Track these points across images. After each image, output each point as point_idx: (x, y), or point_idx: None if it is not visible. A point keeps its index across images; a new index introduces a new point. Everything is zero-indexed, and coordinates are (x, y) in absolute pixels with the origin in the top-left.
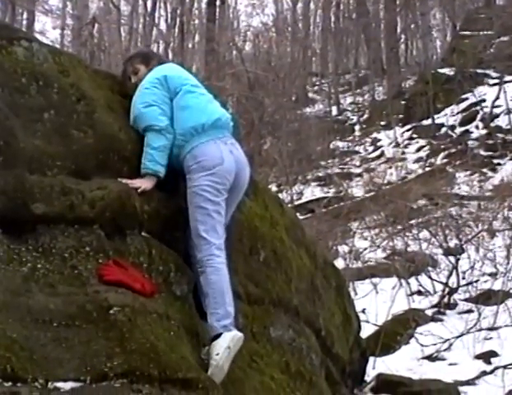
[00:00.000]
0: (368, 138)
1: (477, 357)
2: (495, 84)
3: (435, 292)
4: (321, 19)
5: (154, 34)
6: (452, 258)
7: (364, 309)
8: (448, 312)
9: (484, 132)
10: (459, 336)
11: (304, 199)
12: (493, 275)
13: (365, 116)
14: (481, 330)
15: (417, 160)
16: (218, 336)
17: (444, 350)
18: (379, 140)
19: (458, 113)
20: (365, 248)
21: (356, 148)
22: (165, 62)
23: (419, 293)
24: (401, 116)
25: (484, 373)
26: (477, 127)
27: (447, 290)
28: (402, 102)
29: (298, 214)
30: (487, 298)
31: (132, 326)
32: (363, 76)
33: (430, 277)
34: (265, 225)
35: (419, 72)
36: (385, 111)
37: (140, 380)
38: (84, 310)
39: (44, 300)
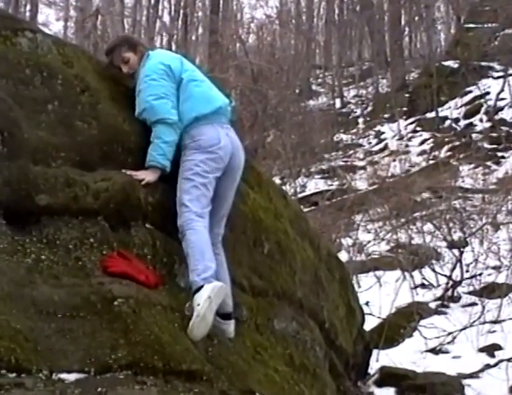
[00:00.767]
0: (372, 131)
1: (481, 350)
2: (499, 77)
3: (439, 285)
4: (325, 11)
5: (157, 26)
6: (456, 251)
7: (367, 302)
8: (451, 305)
9: (488, 125)
10: (463, 329)
11: (307, 192)
12: (497, 268)
13: (369, 109)
14: (484, 323)
15: (421, 153)
16: (199, 289)
17: (448, 343)
18: (383, 133)
19: (462, 106)
20: (369, 241)
21: (360, 141)
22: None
23: (423, 286)
24: (405, 109)
25: (488, 366)
26: (481, 120)
27: (451, 283)
28: (406, 95)
29: (301, 207)
30: (491, 291)
31: (136, 317)
32: (367, 68)
33: (433, 270)
34: (269, 217)
35: (423, 64)
36: (389, 104)
37: (144, 372)
38: (88, 302)
39: (49, 292)
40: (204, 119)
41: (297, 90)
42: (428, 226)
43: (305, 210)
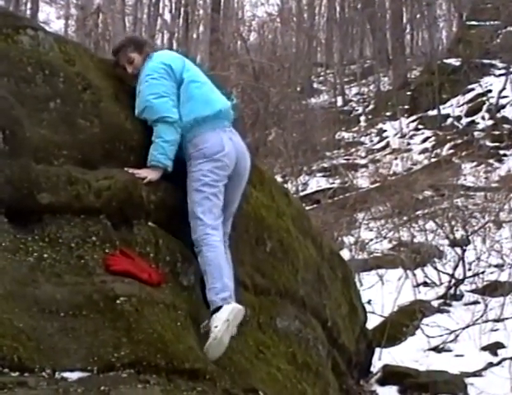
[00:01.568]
0: (373, 129)
1: (484, 349)
2: (501, 74)
3: (441, 283)
4: (326, 9)
5: (158, 24)
6: (458, 249)
7: (370, 300)
8: (454, 303)
9: (490, 122)
10: (465, 327)
11: (309, 190)
12: (499, 266)
13: (371, 107)
14: (487, 321)
15: (423, 151)
16: (218, 309)
17: (451, 341)
18: (385, 131)
19: (464, 104)
20: (371, 239)
21: (362, 139)
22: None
23: (425, 284)
24: (406, 107)
25: (490, 364)
26: (483, 117)
27: (453, 281)
28: (408, 93)
29: (303, 205)
30: (494, 289)
31: (139, 316)
32: (368, 66)
33: (436, 268)
34: (271, 215)
35: (425, 62)
36: (391, 102)
37: (147, 370)
38: (91, 300)
39: (51, 290)
40: (204, 123)
41: (299, 88)
42: (430, 224)
43: (307, 208)
